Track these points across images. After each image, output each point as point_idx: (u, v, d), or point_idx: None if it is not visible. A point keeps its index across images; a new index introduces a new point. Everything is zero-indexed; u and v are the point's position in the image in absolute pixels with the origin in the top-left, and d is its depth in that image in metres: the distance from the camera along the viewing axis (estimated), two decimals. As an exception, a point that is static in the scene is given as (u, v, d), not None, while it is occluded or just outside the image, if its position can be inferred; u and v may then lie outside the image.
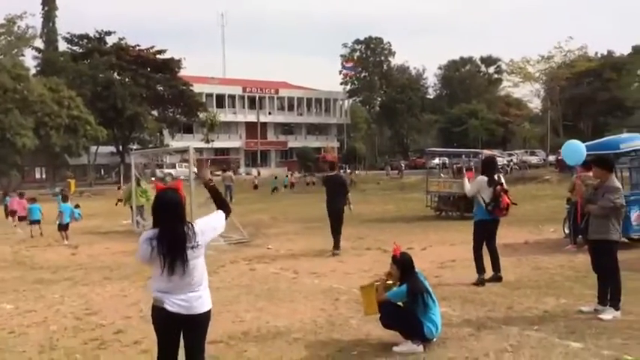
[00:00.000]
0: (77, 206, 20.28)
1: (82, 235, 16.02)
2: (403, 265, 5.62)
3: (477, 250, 8.28)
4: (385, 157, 68.25)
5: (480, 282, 8.09)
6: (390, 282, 5.72)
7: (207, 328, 4.03)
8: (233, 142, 70.61)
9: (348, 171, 47.08)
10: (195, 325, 3.93)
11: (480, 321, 6.29)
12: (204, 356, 4.06)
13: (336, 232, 11.43)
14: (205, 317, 3.95)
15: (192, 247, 3.80)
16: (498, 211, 8.12)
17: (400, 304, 5.59)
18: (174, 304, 3.81)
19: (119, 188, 20.57)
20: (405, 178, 39.07)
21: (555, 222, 13.67)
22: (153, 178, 27.46)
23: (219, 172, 57.05)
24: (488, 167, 8.51)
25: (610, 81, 59.72)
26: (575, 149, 7.37)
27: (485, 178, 8.20)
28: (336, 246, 11.33)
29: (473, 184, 8.41)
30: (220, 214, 4.08)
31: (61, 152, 39.85)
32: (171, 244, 3.73)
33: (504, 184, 8.31)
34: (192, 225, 3.84)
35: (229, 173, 33.06)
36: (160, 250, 3.71)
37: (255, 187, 40.18)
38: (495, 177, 8.23)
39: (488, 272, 8.24)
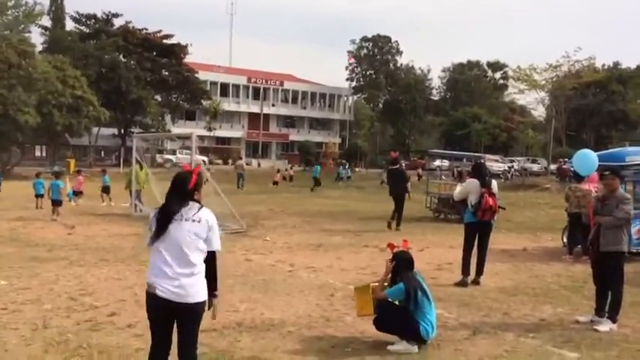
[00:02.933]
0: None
1: (79, 216, 16.00)
2: (399, 260, 5.62)
3: (464, 252, 8.41)
4: (387, 156, 68.06)
5: (463, 283, 8.18)
6: (386, 284, 5.70)
7: (200, 318, 3.92)
8: (235, 131, 70.48)
9: (347, 168, 46.95)
10: (187, 314, 3.83)
11: (476, 325, 6.27)
12: (196, 347, 3.97)
13: (398, 213, 14.34)
14: (197, 307, 3.84)
15: (187, 220, 3.80)
16: (480, 212, 8.11)
17: (397, 302, 5.57)
18: (167, 290, 3.76)
19: (103, 171, 21.52)
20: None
21: (554, 231, 13.67)
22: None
23: (219, 161, 57.15)
24: (479, 171, 8.55)
25: (615, 93, 59.66)
26: (588, 159, 7.31)
27: (477, 181, 8.22)
28: (398, 223, 14.30)
29: (462, 188, 8.56)
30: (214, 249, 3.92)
31: (62, 131, 39.60)
32: (162, 213, 3.84)
33: (494, 188, 8.30)
34: (201, 207, 3.87)
35: (241, 162, 34.44)
36: (157, 223, 3.81)
37: (275, 183, 34.80)
38: (486, 180, 8.27)
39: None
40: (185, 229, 3.80)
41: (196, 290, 3.81)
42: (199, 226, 3.83)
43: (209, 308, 3.95)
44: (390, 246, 5.78)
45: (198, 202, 3.94)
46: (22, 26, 46.85)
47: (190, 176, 3.93)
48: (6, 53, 34.13)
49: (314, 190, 30.18)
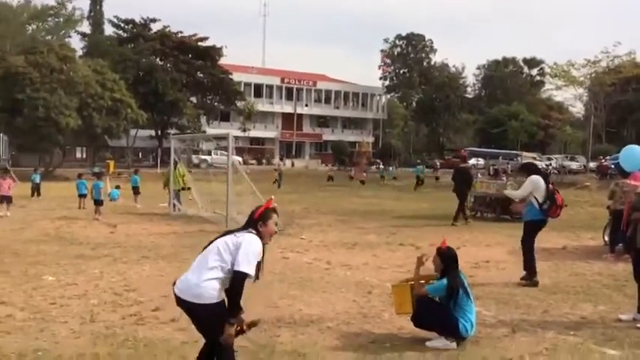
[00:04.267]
0: (117, 187, 20.88)
1: (119, 215, 16.42)
2: (447, 258, 5.60)
3: (530, 251, 8.17)
4: (422, 154, 67.57)
5: (535, 284, 7.97)
6: (423, 281, 5.71)
7: (207, 323, 3.91)
8: (269, 132, 71.02)
9: (382, 167, 46.82)
10: (193, 312, 3.94)
11: (515, 323, 6.23)
12: (222, 348, 3.95)
13: (458, 210, 15.37)
14: (199, 308, 3.86)
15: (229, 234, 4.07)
16: (553, 210, 8.00)
17: (437, 299, 5.58)
18: (178, 284, 3.99)
19: (136, 172, 21.80)
20: (441, 177, 38.59)
21: (594, 229, 13.41)
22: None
23: (253, 161, 57.67)
24: (533, 169, 8.43)
25: (657, 88, 57.86)
26: (635, 155, 7.17)
27: (541, 178, 8.09)
28: (465, 217, 15.43)
29: (526, 185, 8.17)
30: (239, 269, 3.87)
31: (101, 133, 40.66)
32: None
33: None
34: (242, 233, 4.01)
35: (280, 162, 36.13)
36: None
37: (330, 178, 39.13)
38: (548, 177, 8.18)
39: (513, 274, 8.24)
40: (222, 240, 3.99)
41: (200, 292, 3.84)
42: (233, 239, 3.96)
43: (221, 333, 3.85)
44: (443, 242, 5.77)
45: (260, 235, 4.03)
46: (63, 32, 48.32)
47: (259, 208, 4.18)
48: (48, 58, 35.24)
49: (416, 190, 30.95)
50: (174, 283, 4.03)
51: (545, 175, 8.43)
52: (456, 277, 5.48)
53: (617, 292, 7.68)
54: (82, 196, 18.07)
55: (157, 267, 9.09)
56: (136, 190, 20.18)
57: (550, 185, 8.07)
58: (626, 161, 7.30)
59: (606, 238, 11.60)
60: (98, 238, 12.11)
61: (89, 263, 9.31)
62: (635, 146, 7.46)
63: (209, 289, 3.86)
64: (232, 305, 3.86)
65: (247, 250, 3.87)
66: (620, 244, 10.32)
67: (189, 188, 18.13)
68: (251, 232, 4.01)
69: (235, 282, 3.83)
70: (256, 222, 4.06)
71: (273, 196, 4.48)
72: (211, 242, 4.04)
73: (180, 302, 3.96)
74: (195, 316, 3.98)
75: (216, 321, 3.85)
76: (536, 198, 7.99)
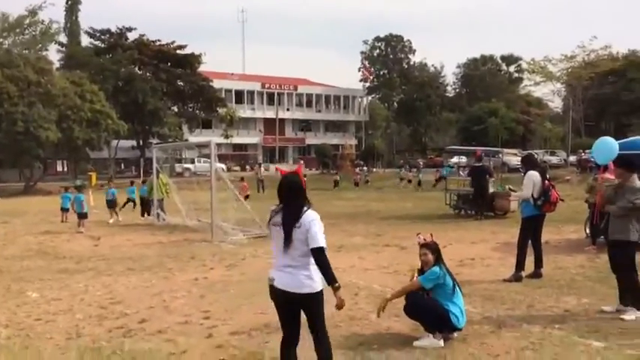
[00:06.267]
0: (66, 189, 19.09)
1: (103, 227, 16.28)
2: (438, 250, 5.67)
3: (523, 247, 8.21)
4: (405, 155, 67.92)
5: (518, 279, 8.06)
6: (415, 274, 5.79)
7: (317, 308, 4.23)
8: (252, 138, 70.88)
9: (365, 169, 46.90)
10: (302, 303, 4.21)
11: (501, 319, 6.30)
12: (324, 331, 4.35)
13: (478, 206, 16.62)
14: (308, 298, 4.15)
15: (297, 227, 4.13)
16: (547, 206, 8.09)
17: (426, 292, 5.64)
18: (279, 280, 4.20)
19: (143, 182, 20.56)
20: (423, 177, 38.85)
21: (576, 222, 13.59)
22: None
23: (237, 167, 57.48)
24: (531, 163, 8.49)
25: (634, 80, 58.79)
26: (608, 147, 7.25)
27: (537, 173, 8.15)
28: (482, 214, 16.44)
29: (526, 183, 8.13)
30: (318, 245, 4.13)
31: (82, 145, 40.18)
32: (288, 217, 4.16)
33: (550, 180, 8.29)
34: (307, 207, 4.20)
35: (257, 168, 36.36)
36: (278, 221, 4.19)
37: (336, 183, 36.97)
38: (545, 172, 8.24)
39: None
40: (294, 235, 4.18)
41: (309, 283, 4.17)
42: (301, 232, 4.15)
43: None
44: (431, 236, 5.81)
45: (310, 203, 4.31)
46: (40, 45, 47.76)
47: (299, 178, 4.36)
48: (25, 72, 34.84)
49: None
50: (272, 282, 4.25)
51: (543, 170, 8.44)
52: (444, 264, 5.61)
53: (599, 284, 7.79)
54: (64, 209, 17.84)
55: (142, 278, 9.04)
56: (111, 204, 18.08)
57: (546, 181, 8.13)
58: (598, 153, 7.39)
59: (587, 231, 11.77)
60: (82, 252, 12.00)
61: (73, 277, 9.22)
62: (606, 138, 7.55)
63: (312, 276, 4.14)
64: (331, 273, 4.08)
65: (317, 228, 4.13)
66: (602, 237, 10.49)
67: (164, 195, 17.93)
68: (308, 209, 4.20)
69: (322, 257, 4.08)
70: (305, 191, 4.31)
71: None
72: (283, 230, 4.15)
73: (291, 296, 4.15)
74: (307, 306, 4.23)
75: (321, 303, 4.23)
76: (532, 194, 8.05)
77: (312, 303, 4.20)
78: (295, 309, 4.29)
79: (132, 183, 21.04)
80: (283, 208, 4.23)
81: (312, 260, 4.12)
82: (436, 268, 5.53)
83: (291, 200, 4.22)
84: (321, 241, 4.09)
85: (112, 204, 18.06)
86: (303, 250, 4.11)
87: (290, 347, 4.43)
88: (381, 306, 5.57)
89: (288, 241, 4.12)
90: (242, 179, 26.17)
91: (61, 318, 6.82)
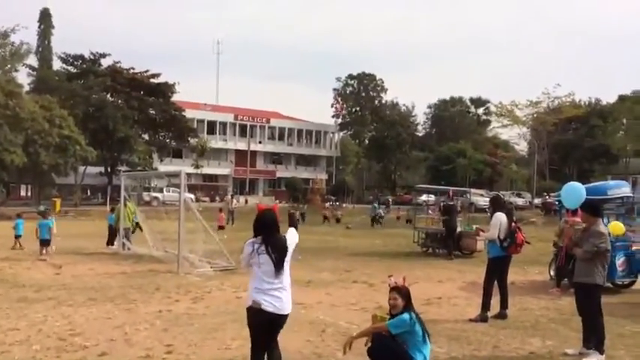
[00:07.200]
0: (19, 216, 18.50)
1: (66, 255, 15.84)
2: (408, 295, 5.58)
3: (488, 287, 8.27)
4: (374, 191, 68.38)
5: (484, 319, 8.11)
6: (384, 315, 5.69)
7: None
8: (222, 169, 70.55)
9: (336, 204, 47.00)
10: (278, 324, 4.88)
11: (467, 359, 6.31)
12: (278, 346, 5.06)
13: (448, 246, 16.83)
14: (286, 317, 4.92)
15: (287, 252, 4.94)
16: (513, 247, 8.20)
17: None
18: (270, 303, 4.75)
19: (112, 210, 19.77)
20: (393, 213, 39.15)
21: (541, 264, 13.81)
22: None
23: (206, 198, 57.01)
24: (499, 203, 8.63)
25: (596, 127, 60.90)
26: (576, 192, 7.46)
27: (504, 214, 8.27)
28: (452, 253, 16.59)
29: (493, 223, 8.24)
30: (294, 231, 5.20)
31: (48, 171, 39.50)
32: (277, 247, 4.86)
33: (517, 222, 8.42)
34: (284, 236, 4.98)
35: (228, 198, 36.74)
36: (266, 251, 4.81)
37: (326, 218, 36.01)
38: (511, 213, 8.36)
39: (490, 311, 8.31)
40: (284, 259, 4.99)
41: (289, 303, 4.98)
42: (287, 256, 4.99)
43: None
44: (403, 279, 5.74)
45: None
46: (9, 66, 47.15)
47: (275, 214, 5.10)
48: (-7, 93, 34.28)
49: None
50: (260, 305, 4.77)
51: (509, 212, 8.58)
52: (414, 310, 5.50)
53: (563, 326, 7.90)
54: (18, 237, 17.30)
55: (104, 309, 8.80)
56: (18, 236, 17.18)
57: (513, 223, 8.27)
58: (567, 198, 7.60)
59: (552, 273, 11.98)
60: (43, 280, 11.63)
61: (33, 307, 8.92)
62: (574, 183, 7.78)
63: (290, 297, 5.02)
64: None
65: (294, 237, 5.18)
66: (566, 280, 10.68)
67: (137, 225, 17.63)
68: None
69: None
70: (278, 225, 5.09)
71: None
72: (275, 257, 4.86)
73: (275, 318, 4.81)
74: (282, 324, 4.95)
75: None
76: (498, 235, 8.16)
77: (285, 321, 4.91)
78: (275, 330, 4.91)
79: (112, 210, 19.76)
80: (267, 240, 4.87)
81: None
82: (405, 316, 5.36)
83: (273, 231, 4.93)
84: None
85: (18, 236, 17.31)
86: (287, 270, 4.93)
87: None
88: (347, 343, 5.51)
89: (279, 266, 4.82)
90: (220, 210, 26.31)
91: (17, 349, 6.57)
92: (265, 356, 4.98)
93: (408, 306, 5.49)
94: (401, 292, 5.55)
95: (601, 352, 6.36)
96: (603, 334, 6.45)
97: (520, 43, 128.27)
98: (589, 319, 6.54)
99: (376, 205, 37.76)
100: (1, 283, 11.19)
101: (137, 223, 19.17)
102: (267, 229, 4.93)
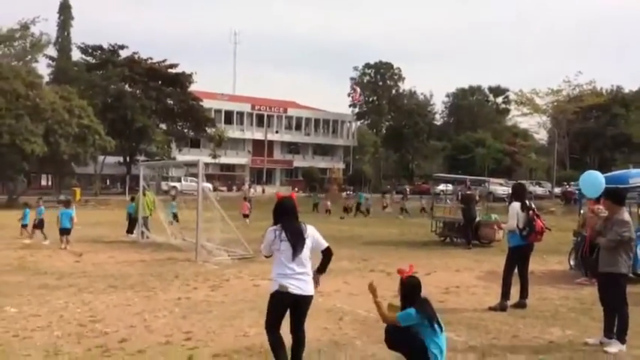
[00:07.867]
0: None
1: (86, 244, 16.05)
2: (409, 289, 5.52)
3: (508, 276, 8.22)
4: (392, 180, 68.15)
5: (503, 308, 8.05)
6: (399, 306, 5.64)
7: (309, 307, 5.20)
8: (240, 158, 70.86)
9: (354, 193, 46.90)
10: (305, 304, 5.10)
11: (485, 348, 6.26)
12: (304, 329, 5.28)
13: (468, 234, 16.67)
14: (311, 299, 5.12)
15: (306, 238, 5.08)
16: (533, 235, 8.11)
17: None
18: (296, 287, 4.93)
19: (132, 199, 19.95)
20: (409, 203, 38.97)
21: (560, 254, 13.65)
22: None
23: (224, 188, 57.35)
24: (518, 193, 8.54)
25: (618, 116, 59.92)
26: (595, 181, 7.33)
27: (519, 204, 8.19)
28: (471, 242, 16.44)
29: (511, 214, 8.18)
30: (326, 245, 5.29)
31: (68, 160, 39.91)
32: (295, 233, 5.03)
33: (535, 210, 8.32)
34: (304, 224, 5.15)
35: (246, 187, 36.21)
36: (286, 237, 4.98)
37: (346, 209, 34.52)
38: (527, 202, 8.26)
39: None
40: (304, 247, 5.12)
41: (311, 286, 5.11)
42: (307, 243, 5.11)
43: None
44: (400, 272, 5.73)
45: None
46: (29, 57, 47.67)
47: (294, 201, 5.32)
48: (14, 84, 34.66)
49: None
50: (286, 289, 4.94)
51: (523, 201, 8.45)
52: (424, 305, 5.40)
53: (583, 316, 7.81)
54: (24, 226, 17.39)
55: (124, 296, 8.89)
56: (40, 224, 16.72)
57: (530, 211, 8.18)
58: (586, 187, 7.47)
59: (572, 263, 11.83)
60: (63, 268, 11.80)
61: (54, 293, 9.05)
62: (592, 172, 7.63)
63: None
64: (326, 267, 5.30)
65: (319, 235, 5.27)
66: (587, 271, 10.51)
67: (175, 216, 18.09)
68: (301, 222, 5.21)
69: (330, 253, 5.29)
70: (297, 212, 5.30)
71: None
72: (293, 242, 4.99)
73: (298, 299, 5.00)
74: (307, 305, 5.16)
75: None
76: (517, 224, 8.10)
77: (310, 302, 5.13)
78: (302, 313, 5.16)
79: (132, 199, 19.92)
80: (286, 226, 5.03)
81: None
82: (412, 310, 5.25)
83: (292, 218, 5.10)
84: (325, 242, 5.22)
85: (41, 224, 16.73)
86: (308, 256, 5.07)
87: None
88: (372, 289, 5.51)
89: (298, 251, 4.98)
90: (245, 198, 27.47)
91: (39, 335, 6.67)
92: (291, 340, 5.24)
93: (410, 300, 5.42)
94: (403, 286, 5.48)
95: (623, 341, 6.27)
96: (627, 324, 6.34)
97: (540, 32, 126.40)
98: (615, 310, 6.42)
99: (363, 194, 38.15)
100: (22, 271, 11.37)
101: (175, 214, 19.63)
102: (286, 216, 5.08)
